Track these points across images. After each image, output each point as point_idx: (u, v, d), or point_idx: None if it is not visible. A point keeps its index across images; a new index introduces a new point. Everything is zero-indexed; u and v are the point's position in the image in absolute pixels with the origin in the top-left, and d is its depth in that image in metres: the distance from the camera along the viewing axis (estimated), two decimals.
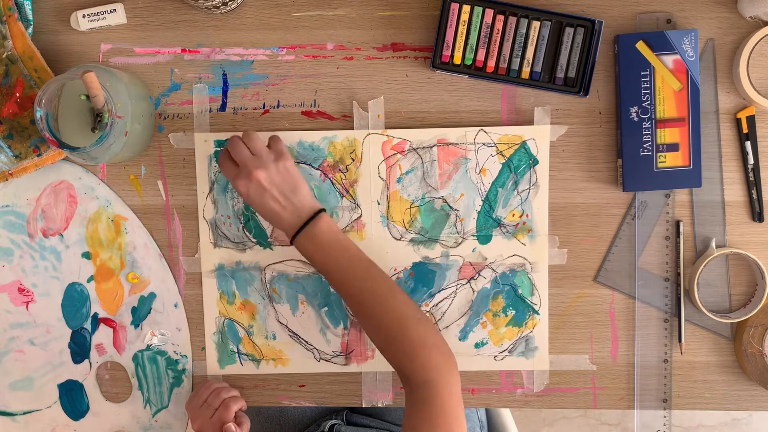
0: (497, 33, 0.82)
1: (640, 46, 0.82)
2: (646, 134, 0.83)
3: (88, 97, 0.77)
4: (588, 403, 0.89)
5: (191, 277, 0.89)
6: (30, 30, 0.85)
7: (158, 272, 0.89)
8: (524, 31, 0.82)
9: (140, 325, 0.89)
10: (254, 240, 0.88)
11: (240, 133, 0.81)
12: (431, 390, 0.73)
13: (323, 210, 0.80)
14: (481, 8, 0.82)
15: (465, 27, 0.82)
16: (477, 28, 0.82)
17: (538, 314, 0.88)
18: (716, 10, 0.84)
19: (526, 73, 0.83)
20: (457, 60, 0.83)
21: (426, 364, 0.74)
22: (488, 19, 0.82)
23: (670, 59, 0.82)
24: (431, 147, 0.86)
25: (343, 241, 0.79)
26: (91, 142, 0.76)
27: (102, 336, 0.90)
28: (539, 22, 0.82)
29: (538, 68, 0.83)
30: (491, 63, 0.83)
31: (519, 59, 0.83)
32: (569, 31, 0.82)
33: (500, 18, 0.82)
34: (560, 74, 0.83)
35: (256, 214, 0.83)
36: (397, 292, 0.78)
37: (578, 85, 0.83)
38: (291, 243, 0.80)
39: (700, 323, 0.87)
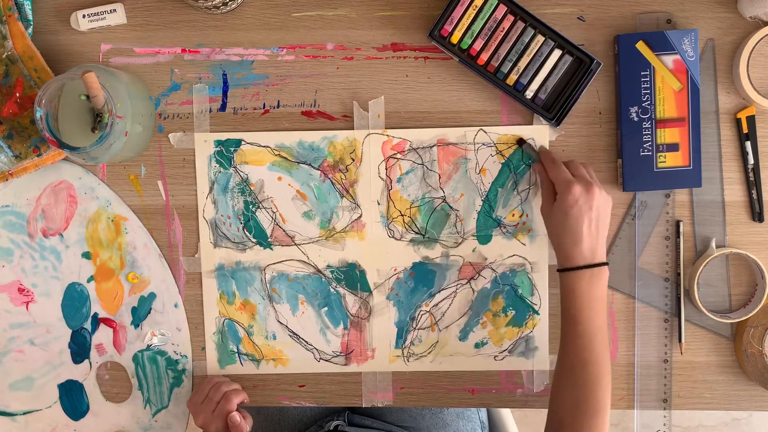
0: (501, 30, 0.82)
1: (640, 46, 0.82)
2: (646, 134, 0.83)
3: (88, 97, 0.77)
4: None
5: (191, 277, 0.89)
6: (30, 30, 0.85)
7: (158, 272, 0.89)
8: (527, 40, 0.82)
9: (140, 325, 0.89)
10: (254, 240, 0.88)
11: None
12: None
13: (606, 263, 0.79)
14: (497, 0, 0.81)
15: (474, 12, 0.82)
16: (485, 17, 0.82)
17: (538, 314, 0.88)
18: (716, 10, 0.84)
19: (511, 80, 0.83)
20: (455, 39, 0.82)
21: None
22: (499, 13, 0.82)
23: (670, 59, 0.82)
24: (431, 147, 0.86)
25: (606, 299, 0.78)
26: (91, 142, 0.76)
27: (102, 336, 0.90)
28: (543, 39, 0.82)
29: (524, 80, 0.83)
30: (484, 56, 0.83)
31: (511, 64, 0.83)
32: (567, 58, 0.82)
33: (510, 18, 0.82)
34: (542, 95, 0.83)
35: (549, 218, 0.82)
36: (608, 379, 0.77)
37: (555, 112, 0.83)
38: (561, 270, 0.78)
39: (700, 323, 0.87)
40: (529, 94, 0.83)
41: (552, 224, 0.79)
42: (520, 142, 0.85)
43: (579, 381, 0.76)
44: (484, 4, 0.82)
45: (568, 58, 0.82)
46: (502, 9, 0.82)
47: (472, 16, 0.82)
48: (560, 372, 0.78)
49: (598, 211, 0.77)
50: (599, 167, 0.86)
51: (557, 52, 0.82)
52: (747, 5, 0.81)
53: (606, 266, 0.77)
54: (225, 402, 0.84)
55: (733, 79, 0.84)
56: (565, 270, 0.78)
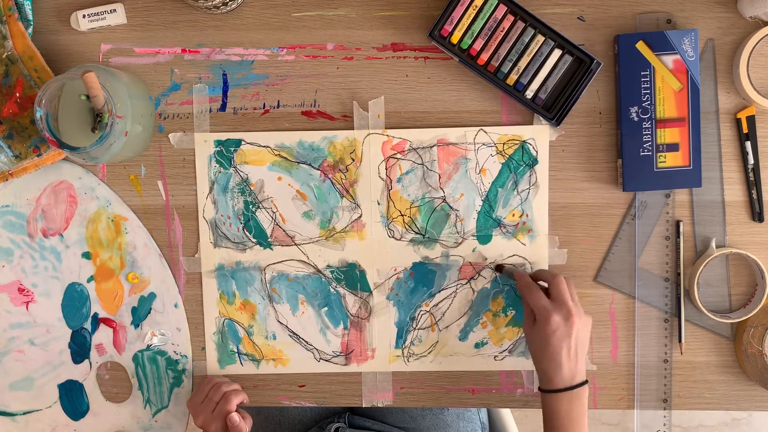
0: (501, 31, 0.82)
1: (640, 46, 0.82)
2: (646, 134, 0.83)
3: (88, 97, 0.77)
4: (588, 404, 0.89)
5: (191, 277, 0.89)
6: (30, 30, 0.85)
7: (158, 272, 0.89)
8: (527, 40, 0.82)
9: (140, 325, 0.89)
10: (254, 240, 0.88)
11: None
12: None
13: (587, 382, 0.80)
14: (497, 0, 0.81)
15: (474, 12, 0.82)
16: (485, 17, 0.82)
17: None
18: (716, 10, 0.84)
19: (512, 80, 0.83)
20: (455, 39, 0.82)
21: None
22: (499, 13, 0.82)
23: (670, 59, 0.82)
24: (431, 147, 0.86)
25: (585, 416, 0.80)
26: (91, 142, 0.76)
27: (102, 336, 0.90)
28: (543, 39, 0.82)
29: (524, 80, 0.83)
30: (484, 56, 0.83)
31: (511, 64, 0.83)
32: (567, 58, 0.82)
33: (510, 18, 0.82)
34: (542, 95, 0.83)
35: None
36: None
37: (555, 112, 0.83)
38: (542, 390, 0.80)
39: (700, 323, 0.87)
40: (529, 94, 0.83)
41: (532, 347, 0.80)
42: (499, 268, 0.87)
43: None
44: (484, 4, 0.82)
45: (568, 58, 0.82)
46: (502, 9, 0.82)
47: (472, 16, 0.82)
48: None
49: (577, 337, 0.78)
50: (599, 167, 0.86)
51: (557, 52, 0.82)
52: (747, 5, 0.81)
53: (586, 384, 0.79)
54: (224, 402, 0.84)
55: (733, 79, 0.84)
56: (546, 391, 0.79)
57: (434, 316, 0.88)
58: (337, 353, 0.89)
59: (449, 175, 0.86)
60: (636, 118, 0.83)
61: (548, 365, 0.78)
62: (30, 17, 0.85)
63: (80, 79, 0.75)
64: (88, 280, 0.89)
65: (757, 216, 0.85)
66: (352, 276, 0.88)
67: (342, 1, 0.85)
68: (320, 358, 0.89)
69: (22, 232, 0.89)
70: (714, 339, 0.88)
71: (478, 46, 0.82)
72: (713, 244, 0.85)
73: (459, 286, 0.88)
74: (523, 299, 0.82)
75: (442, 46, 0.83)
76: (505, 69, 0.83)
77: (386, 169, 0.87)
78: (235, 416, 0.83)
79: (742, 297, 0.87)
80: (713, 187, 0.85)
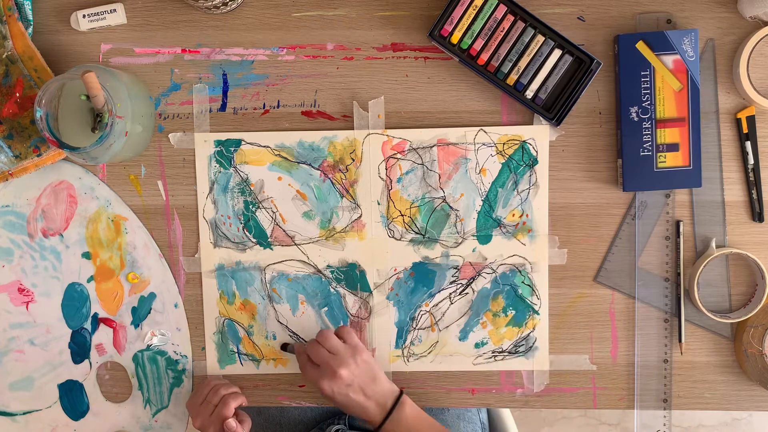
0: (501, 30, 0.82)
1: (640, 46, 0.82)
2: (646, 134, 0.83)
3: (88, 97, 0.77)
4: (588, 403, 0.89)
5: (191, 277, 0.89)
6: (30, 30, 0.85)
7: (158, 272, 0.89)
8: (527, 40, 0.82)
9: (140, 325, 0.89)
10: (254, 240, 0.88)
11: (315, 336, 0.84)
12: None
13: (402, 392, 0.82)
14: (497, 0, 0.81)
15: (474, 11, 0.82)
16: (485, 17, 0.82)
17: (538, 314, 0.88)
18: (716, 10, 0.84)
19: (512, 80, 0.83)
20: (455, 39, 0.82)
21: None
22: (499, 14, 0.82)
23: (670, 59, 0.82)
24: (431, 147, 0.86)
25: (427, 419, 0.82)
26: (91, 142, 0.76)
27: (102, 336, 0.90)
28: (543, 38, 0.82)
29: (524, 80, 0.83)
30: (484, 56, 0.83)
31: (511, 64, 0.83)
32: (567, 58, 0.82)
33: (510, 18, 0.82)
34: (543, 95, 0.83)
35: (335, 403, 0.83)
36: None
37: (555, 112, 0.83)
38: (378, 431, 0.81)
39: (700, 323, 0.87)
40: (530, 94, 0.83)
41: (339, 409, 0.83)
42: (283, 347, 0.88)
43: None
44: (484, 4, 0.82)
45: (568, 58, 0.82)
46: (502, 9, 0.82)
47: (472, 16, 0.82)
48: None
49: (353, 380, 0.80)
50: (599, 167, 0.86)
51: (557, 52, 0.82)
52: (747, 5, 0.81)
53: (400, 394, 0.81)
54: (222, 406, 0.84)
55: (733, 79, 0.84)
56: (377, 430, 0.81)
57: (434, 316, 0.88)
58: None
59: (449, 175, 0.86)
60: (636, 118, 0.83)
61: (358, 414, 0.81)
62: (30, 17, 0.85)
63: (80, 79, 0.75)
64: (88, 280, 0.89)
65: (757, 216, 0.85)
66: (352, 276, 0.88)
67: (342, 1, 0.85)
68: None
69: (22, 232, 0.89)
70: (714, 339, 0.88)
71: (478, 46, 0.82)
72: (713, 244, 0.85)
73: (459, 286, 0.88)
74: None
75: (442, 46, 0.83)
76: (505, 69, 0.83)
77: (386, 169, 0.87)
78: (232, 422, 0.83)
79: (742, 297, 0.87)
80: (713, 187, 0.85)
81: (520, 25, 0.82)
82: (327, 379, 0.80)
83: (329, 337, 0.82)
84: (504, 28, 0.82)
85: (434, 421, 0.82)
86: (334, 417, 1.01)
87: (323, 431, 0.98)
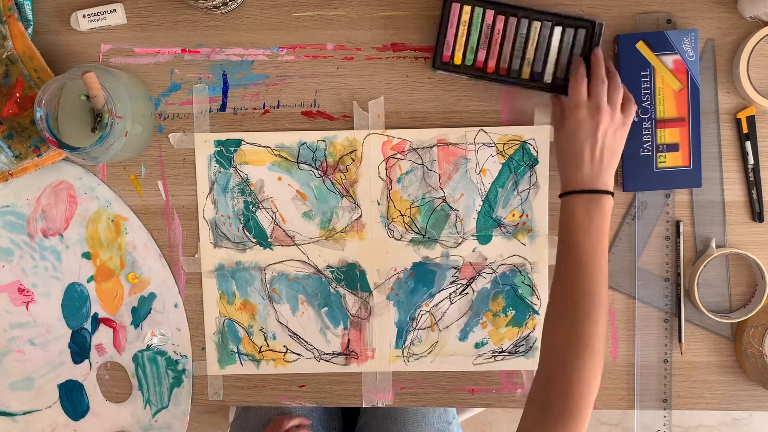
0: (498, 34, 0.82)
1: (640, 46, 0.82)
2: (646, 134, 0.83)
3: (88, 97, 0.77)
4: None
5: (191, 277, 0.89)
6: (30, 30, 0.85)
7: (158, 272, 0.89)
8: (524, 32, 0.82)
9: (140, 325, 0.89)
10: (254, 240, 0.88)
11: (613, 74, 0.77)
12: (565, 384, 0.69)
13: (613, 194, 0.75)
14: (482, 9, 0.81)
15: (466, 27, 0.82)
16: (478, 28, 0.82)
17: (538, 314, 0.88)
18: (716, 10, 0.84)
19: (526, 73, 0.83)
20: (458, 60, 0.83)
21: (581, 365, 0.69)
22: (489, 20, 0.82)
23: (670, 59, 0.82)
24: (431, 147, 0.86)
25: (606, 231, 0.74)
26: (91, 142, 0.76)
27: (102, 336, 0.90)
28: (540, 23, 0.82)
29: (538, 68, 0.83)
30: (492, 64, 0.83)
31: (519, 60, 0.82)
32: (570, 32, 0.82)
33: (501, 18, 0.82)
34: (560, 75, 0.82)
35: None
36: (603, 314, 0.71)
37: None
38: (562, 195, 0.75)
39: (700, 323, 0.87)
40: (548, 78, 0.83)
41: (557, 149, 0.76)
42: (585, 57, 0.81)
43: (570, 313, 0.70)
44: (471, 17, 0.82)
45: (571, 31, 0.82)
46: (491, 14, 0.82)
47: (465, 32, 0.82)
48: (551, 303, 0.74)
49: (604, 140, 0.73)
50: None
51: (558, 30, 0.82)
52: (747, 5, 0.81)
53: (610, 196, 0.73)
54: None
55: (733, 79, 0.84)
56: (564, 194, 0.74)
57: (434, 316, 0.88)
58: (337, 353, 0.89)
59: (449, 175, 0.86)
60: (636, 118, 0.83)
61: (568, 164, 0.74)
62: (30, 17, 0.85)
63: (80, 79, 0.75)
64: (88, 280, 0.89)
65: (757, 216, 0.85)
66: (352, 276, 0.88)
67: (342, 1, 0.85)
68: (320, 358, 0.89)
69: (22, 232, 0.89)
70: (714, 339, 0.88)
71: (482, 57, 0.82)
72: (713, 244, 0.85)
73: (459, 286, 0.88)
74: (553, 102, 0.79)
75: (449, 72, 0.83)
76: (516, 66, 0.83)
77: (386, 169, 0.87)
78: None
79: (742, 297, 0.87)
80: (713, 187, 0.85)
81: (513, 21, 0.82)
82: (587, 111, 0.72)
83: (618, 90, 0.75)
84: (500, 30, 0.82)
85: (604, 237, 0.73)
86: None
87: None
